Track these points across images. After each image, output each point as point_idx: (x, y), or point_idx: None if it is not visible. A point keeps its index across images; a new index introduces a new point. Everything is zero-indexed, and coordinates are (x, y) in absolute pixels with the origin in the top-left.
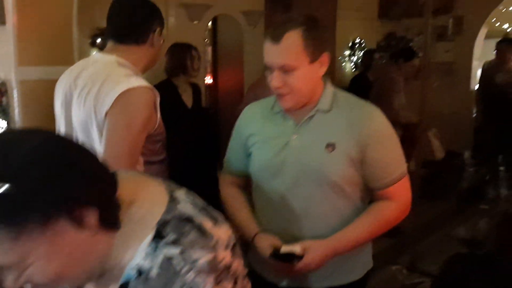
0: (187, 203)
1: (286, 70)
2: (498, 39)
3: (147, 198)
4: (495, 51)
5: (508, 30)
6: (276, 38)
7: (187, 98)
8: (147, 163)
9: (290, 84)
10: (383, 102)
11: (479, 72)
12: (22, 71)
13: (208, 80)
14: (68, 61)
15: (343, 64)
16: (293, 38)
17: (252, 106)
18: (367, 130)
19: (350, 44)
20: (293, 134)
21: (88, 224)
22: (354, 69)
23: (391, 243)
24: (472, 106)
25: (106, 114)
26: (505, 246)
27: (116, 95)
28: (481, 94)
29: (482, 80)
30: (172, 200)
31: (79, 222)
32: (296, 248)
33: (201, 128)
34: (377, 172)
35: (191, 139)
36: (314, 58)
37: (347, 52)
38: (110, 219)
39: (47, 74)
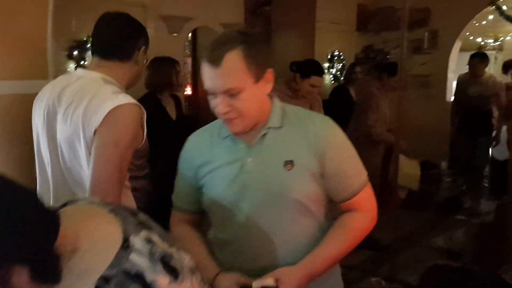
0: (141, 253)
1: (231, 94)
2: (472, 52)
3: (93, 246)
4: (468, 65)
5: (481, 43)
6: (216, 61)
7: (171, 111)
8: (131, 178)
9: (237, 107)
10: (361, 117)
11: (454, 84)
12: None
13: (188, 91)
14: (43, 75)
15: None
16: (235, 59)
17: (197, 135)
18: (323, 142)
19: (329, 56)
20: (247, 157)
21: (17, 284)
22: (333, 81)
23: (369, 255)
24: (448, 117)
25: (95, 131)
26: (481, 257)
27: (105, 112)
28: (456, 107)
29: (456, 93)
30: (124, 249)
31: (4, 283)
32: (268, 281)
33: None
34: (338, 184)
35: (179, 151)
36: (258, 77)
37: (326, 65)
38: (45, 275)
39: (21, 88)
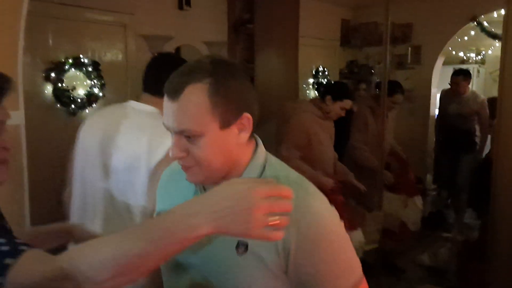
0: None
1: (188, 136)
2: (455, 65)
3: None
4: (450, 83)
5: (464, 58)
6: (174, 93)
7: None
8: None
9: (194, 155)
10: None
11: (438, 99)
12: None
13: None
14: (13, 105)
15: (307, 92)
16: (197, 95)
17: (170, 169)
18: (298, 229)
19: (313, 71)
20: None
21: None
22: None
23: None
24: (432, 131)
25: (157, 163)
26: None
27: (166, 148)
28: (439, 123)
29: (440, 109)
30: None
31: None
32: None
33: None
34: None
35: None
36: (226, 122)
37: (311, 80)
38: None
39: None
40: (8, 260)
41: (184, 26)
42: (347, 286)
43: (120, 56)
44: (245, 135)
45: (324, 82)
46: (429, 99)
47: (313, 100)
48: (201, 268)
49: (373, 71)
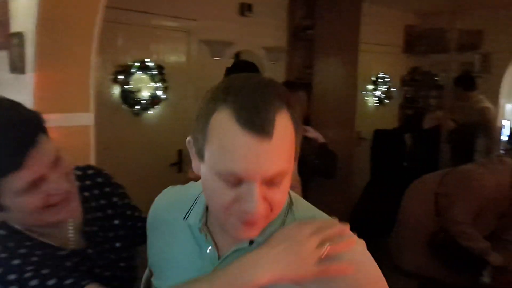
0: None
1: (275, 182)
2: None
3: None
4: None
5: None
6: (265, 128)
7: None
8: None
9: (274, 202)
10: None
11: (507, 109)
12: None
13: None
14: (84, 107)
15: (366, 99)
16: (286, 125)
17: (168, 199)
18: (344, 280)
19: (374, 78)
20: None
21: None
22: (378, 103)
23: None
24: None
25: None
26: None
27: None
28: None
29: None
30: None
31: None
32: None
33: None
34: None
35: None
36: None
37: (370, 87)
38: None
39: (65, 121)
40: None
41: (244, 32)
42: None
43: (183, 60)
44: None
45: (385, 89)
46: (498, 109)
47: None
48: None
49: (436, 78)
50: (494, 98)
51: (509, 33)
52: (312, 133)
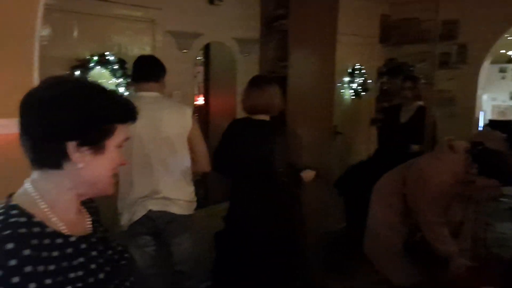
0: None
1: None
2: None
3: None
4: None
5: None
6: None
7: None
8: None
9: None
10: None
11: (483, 100)
12: None
13: (200, 101)
14: None
15: (341, 91)
16: None
17: None
18: None
19: (349, 70)
20: None
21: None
22: (354, 96)
23: None
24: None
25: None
26: None
27: (191, 115)
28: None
29: None
30: None
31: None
32: None
33: None
34: None
35: None
36: None
37: (346, 79)
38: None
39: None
40: None
41: (214, 22)
42: None
43: (147, 54)
44: None
45: (361, 81)
46: (475, 100)
47: None
48: None
49: (412, 68)
50: (471, 89)
51: (486, 23)
52: None
